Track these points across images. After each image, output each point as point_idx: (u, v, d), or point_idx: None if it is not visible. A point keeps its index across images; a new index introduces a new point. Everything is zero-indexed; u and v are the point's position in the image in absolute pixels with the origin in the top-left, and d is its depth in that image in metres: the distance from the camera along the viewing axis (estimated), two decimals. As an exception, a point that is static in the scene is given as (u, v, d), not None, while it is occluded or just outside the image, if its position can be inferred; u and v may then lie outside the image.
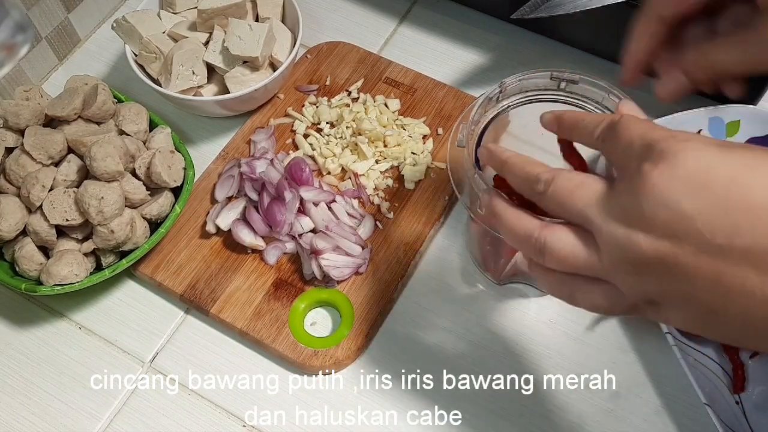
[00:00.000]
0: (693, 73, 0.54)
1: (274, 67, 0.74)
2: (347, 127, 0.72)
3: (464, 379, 0.63)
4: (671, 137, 0.37)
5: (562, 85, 0.56)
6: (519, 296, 0.66)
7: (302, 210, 0.67)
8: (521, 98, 0.57)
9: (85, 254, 0.64)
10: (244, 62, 0.71)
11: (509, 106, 0.57)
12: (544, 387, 0.62)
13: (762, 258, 0.33)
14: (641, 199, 0.37)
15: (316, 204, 0.67)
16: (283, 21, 0.76)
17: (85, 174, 0.65)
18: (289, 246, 0.67)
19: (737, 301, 0.35)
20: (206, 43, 0.73)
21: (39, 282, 0.63)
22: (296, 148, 0.74)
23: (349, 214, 0.68)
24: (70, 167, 0.65)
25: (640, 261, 0.37)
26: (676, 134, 0.38)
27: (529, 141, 0.60)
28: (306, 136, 0.74)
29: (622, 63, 0.58)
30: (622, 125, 0.41)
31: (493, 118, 0.57)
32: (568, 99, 0.57)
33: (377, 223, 0.69)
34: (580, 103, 0.56)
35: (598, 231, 0.39)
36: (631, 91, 0.77)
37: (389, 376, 0.63)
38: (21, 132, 0.66)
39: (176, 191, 0.68)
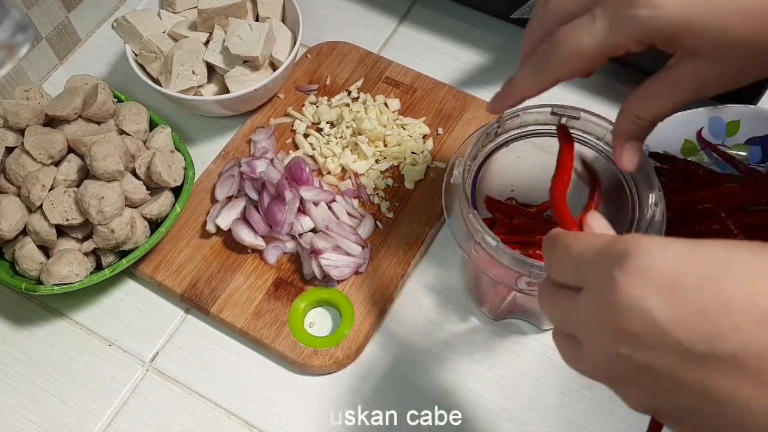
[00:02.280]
0: (637, 136, 0.48)
1: (274, 66, 0.74)
2: (347, 127, 0.72)
3: (464, 378, 0.63)
4: (627, 239, 0.34)
5: (563, 120, 0.55)
6: (517, 333, 0.65)
7: (302, 210, 0.67)
8: (520, 132, 0.56)
9: (85, 254, 0.64)
10: (244, 62, 0.71)
11: (507, 140, 0.56)
12: (544, 386, 0.62)
13: (753, 364, 0.29)
14: (611, 309, 0.33)
15: (316, 204, 0.67)
16: (283, 21, 0.76)
17: (85, 174, 0.65)
18: (289, 246, 0.67)
19: (732, 414, 0.30)
20: (206, 43, 0.73)
21: (39, 282, 0.63)
22: (296, 147, 0.74)
23: (349, 214, 0.68)
24: (70, 167, 0.65)
25: (627, 373, 0.34)
26: (630, 234, 0.34)
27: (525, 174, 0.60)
28: (306, 135, 0.74)
29: (500, 92, 0.54)
30: (560, 242, 0.38)
31: (490, 153, 0.56)
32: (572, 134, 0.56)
33: (377, 222, 0.69)
34: (581, 138, 0.55)
35: (580, 344, 0.36)
36: (630, 89, 0.77)
37: (389, 376, 0.63)
38: (21, 132, 0.66)
39: (176, 191, 0.68)
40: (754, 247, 0.31)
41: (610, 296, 0.33)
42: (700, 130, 0.68)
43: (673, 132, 0.69)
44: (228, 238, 0.68)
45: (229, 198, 0.70)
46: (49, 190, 0.63)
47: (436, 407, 0.62)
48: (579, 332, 0.36)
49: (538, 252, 0.55)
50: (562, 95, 0.77)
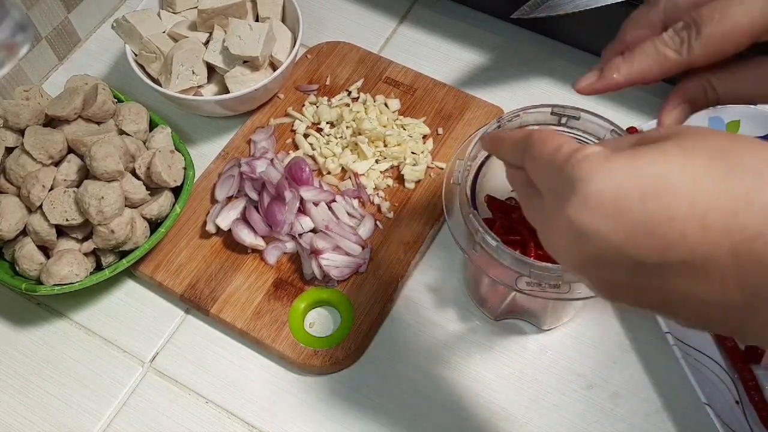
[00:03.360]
0: (697, 105, 0.47)
1: (274, 66, 0.74)
2: (347, 127, 0.72)
3: (464, 378, 0.63)
4: (576, 160, 0.35)
5: (563, 120, 0.55)
6: (517, 333, 0.65)
7: (302, 210, 0.67)
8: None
9: (85, 254, 0.64)
10: (244, 62, 0.71)
11: None
12: (544, 387, 0.62)
13: (702, 265, 0.32)
14: (569, 235, 0.35)
15: (316, 204, 0.67)
16: (283, 21, 0.76)
17: (85, 174, 0.65)
18: (289, 246, 0.67)
19: (692, 311, 0.33)
20: (206, 43, 0.73)
21: (39, 282, 0.63)
22: (296, 147, 0.74)
23: (349, 214, 0.68)
24: (70, 167, 0.65)
25: (595, 283, 0.36)
26: (580, 152, 0.35)
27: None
28: (306, 135, 0.74)
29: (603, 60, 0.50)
30: (535, 144, 0.39)
31: (490, 154, 0.56)
32: (570, 134, 0.56)
33: (377, 223, 0.69)
34: (582, 138, 0.56)
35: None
36: (631, 90, 0.77)
37: (389, 376, 0.63)
38: (21, 132, 0.66)
39: (176, 191, 0.68)
40: (687, 154, 0.33)
41: (566, 225, 0.35)
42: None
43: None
44: (228, 239, 0.68)
45: (229, 198, 0.70)
46: (49, 191, 0.63)
47: (437, 407, 0.62)
48: (547, 238, 0.38)
49: (539, 252, 0.56)
50: (562, 95, 0.77)
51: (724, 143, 0.33)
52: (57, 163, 0.65)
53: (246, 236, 0.66)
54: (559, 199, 0.35)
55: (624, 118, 0.75)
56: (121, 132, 0.69)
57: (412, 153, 0.72)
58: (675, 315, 0.35)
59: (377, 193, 0.70)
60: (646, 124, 0.68)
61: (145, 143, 0.69)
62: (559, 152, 0.37)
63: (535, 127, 0.56)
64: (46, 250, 0.65)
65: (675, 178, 0.32)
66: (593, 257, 0.34)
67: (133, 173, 0.67)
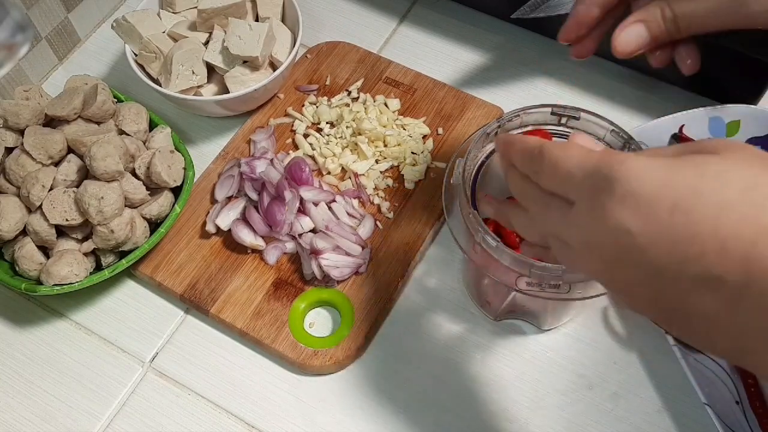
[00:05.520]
0: (652, 25, 0.47)
1: (274, 66, 0.74)
2: (347, 127, 0.72)
3: (464, 378, 0.63)
4: (615, 162, 0.36)
5: (563, 120, 0.55)
6: (517, 333, 0.65)
7: (302, 210, 0.67)
8: (520, 133, 0.56)
9: (85, 254, 0.64)
10: (244, 62, 0.71)
11: None
12: (544, 387, 0.62)
13: (715, 287, 0.33)
14: (601, 231, 0.36)
15: (316, 204, 0.67)
16: (283, 21, 0.76)
17: (85, 174, 0.65)
18: (289, 246, 0.67)
19: (699, 323, 0.35)
20: (206, 43, 0.73)
21: (39, 282, 0.63)
22: (296, 147, 0.74)
23: (349, 214, 0.68)
24: (70, 167, 0.65)
25: (614, 285, 0.38)
26: (618, 155, 0.37)
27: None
28: (306, 135, 0.74)
29: (565, 23, 0.51)
30: (548, 156, 0.40)
31: (490, 154, 0.56)
32: (570, 134, 0.56)
33: (377, 223, 0.69)
34: None
35: (572, 249, 0.40)
36: (631, 90, 0.77)
37: (389, 376, 0.63)
38: (21, 132, 0.66)
39: (176, 191, 0.68)
40: (724, 179, 0.34)
41: (601, 220, 0.36)
42: (681, 127, 0.68)
43: (673, 131, 0.69)
44: (228, 239, 0.68)
45: (229, 198, 0.70)
46: (49, 191, 0.63)
47: (436, 407, 0.62)
48: (571, 241, 0.39)
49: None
50: (562, 95, 0.77)
51: (761, 174, 0.34)
52: (57, 163, 0.65)
53: (246, 236, 0.66)
54: (594, 199, 0.36)
55: (624, 118, 0.75)
56: (121, 132, 0.69)
57: (412, 153, 0.72)
58: (686, 330, 0.36)
59: (377, 193, 0.70)
60: (646, 125, 0.68)
61: (145, 143, 0.69)
62: (590, 157, 0.38)
63: (536, 128, 0.56)
64: (46, 250, 0.65)
65: (706, 197, 0.33)
66: (619, 255, 0.36)
67: (133, 173, 0.67)
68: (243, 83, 0.71)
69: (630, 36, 0.46)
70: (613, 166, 0.36)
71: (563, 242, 0.41)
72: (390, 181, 0.71)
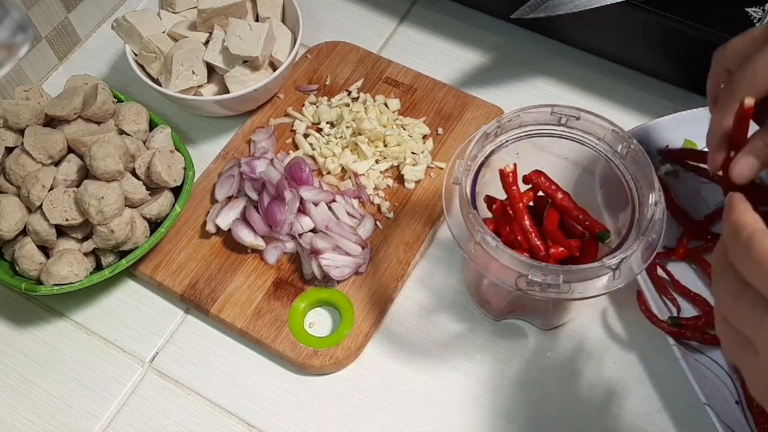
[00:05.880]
0: (760, 154, 0.48)
1: (274, 66, 0.74)
2: (347, 127, 0.72)
3: (464, 378, 0.63)
4: None
5: (563, 120, 0.55)
6: (517, 333, 0.65)
7: (302, 210, 0.67)
8: (520, 133, 0.56)
9: (85, 254, 0.64)
10: (244, 62, 0.71)
11: (507, 141, 0.57)
12: (544, 387, 0.62)
13: None
14: None
15: (316, 204, 0.67)
16: (283, 21, 0.76)
17: (85, 174, 0.65)
18: (289, 246, 0.67)
19: None
20: (206, 43, 0.73)
21: (39, 282, 0.63)
22: (296, 147, 0.74)
23: (349, 214, 0.68)
24: (70, 167, 0.65)
25: None
26: None
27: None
28: (306, 135, 0.74)
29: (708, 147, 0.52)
30: (757, 247, 0.37)
31: (490, 154, 0.56)
32: (570, 134, 0.56)
33: (377, 223, 0.69)
34: (582, 138, 0.56)
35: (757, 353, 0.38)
36: (631, 89, 0.77)
37: (389, 376, 0.63)
38: (21, 132, 0.66)
39: (176, 191, 0.68)
40: None
41: None
42: (666, 147, 0.68)
43: (673, 131, 0.68)
44: (228, 238, 0.68)
45: (229, 198, 0.70)
46: (49, 190, 0.63)
47: (436, 407, 0.62)
48: (760, 344, 0.37)
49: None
50: (562, 95, 0.77)
51: None
52: (57, 163, 0.65)
53: (246, 236, 0.66)
54: None
55: (624, 117, 0.75)
56: (121, 132, 0.69)
57: (412, 153, 0.72)
58: None
59: (377, 193, 0.70)
60: (646, 125, 0.68)
61: (145, 143, 0.69)
62: None
63: (536, 127, 0.56)
64: (46, 250, 0.65)
65: None
66: None
67: (133, 173, 0.67)
68: (243, 83, 0.71)
69: (745, 168, 0.48)
70: None
71: (748, 341, 0.38)
72: (390, 181, 0.71)
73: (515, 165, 0.56)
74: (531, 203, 0.60)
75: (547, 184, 0.58)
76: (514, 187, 0.56)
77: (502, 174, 0.56)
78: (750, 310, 0.37)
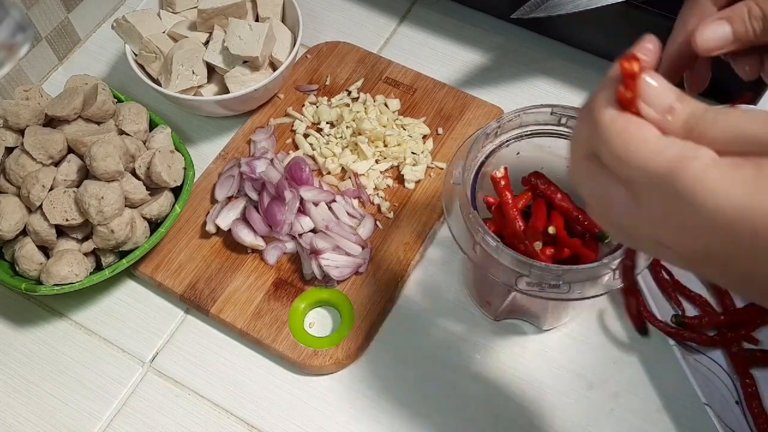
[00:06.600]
0: (737, 24, 0.42)
1: (274, 67, 0.74)
2: (347, 127, 0.72)
3: (465, 378, 0.63)
4: (689, 177, 0.32)
5: (563, 120, 0.55)
6: (517, 333, 0.65)
7: (302, 210, 0.67)
8: (520, 133, 0.56)
9: (85, 254, 0.64)
10: (244, 62, 0.71)
11: (507, 141, 0.57)
12: (545, 387, 0.62)
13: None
14: (674, 235, 0.34)
15: (316, 204, 0.67)
16: (283, 21, 0.76)
17: (85, 174, 0.65)
18: (289, 246, 0.67)
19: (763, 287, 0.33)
20: (206, 43, 0.73)
21: (39, 282, 0.63)
22: (296, 147, 0.74)
23: (349, 214, 0.68)
24: (70, 167, 0.65)
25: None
26: (690, 165, 0.32)
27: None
28: (306, 135, 0.74)
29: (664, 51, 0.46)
30: (607, 135, 0.34)
31: (490, 154, 0.56)
32: (570, 134, 0.56)
33: (377, 223, 0.69)
34: None
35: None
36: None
37: (389, 376, 0.63)
38: (21, 132, 0.66)
39: (176, 191, 0.68)
40: None
41: (679, 230, 0.33)
42: None
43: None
44: (228, 239, 0.68)
45: (229, 198, 0.70)
46: (49, 191, 0.63)
47: (436, 407, 0.62)
48: (635, 233, 0.36)
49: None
50: (562, 95, 0.77)
51: None
52: (57, 163, 0.65)
53: (246, 236, 0.66)
54: (667, 206, 0.33)
55: (624, 118, 0.75)
56: (121, 132, 0.69)
57: (412, 153, 0.72)
58: (749, 291, 0.35)
59: (377, 193, 0.70)
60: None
61: (145, 143, 0.69)
62: (660, 158, 0.33)
63: (536, 127, 0.56)
64: (46, 250, 0.65)
65: None
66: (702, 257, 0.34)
67: (133, 173, 0.67)
68: (243, 83, 0.71)
69: (714, 33, 0.42)
70: (687, 182, 0.32)
71: (623, 230, 0.37)
72: (390, 181, 0.71)
73: (506, 169, 0.56)
74: (529, 204, 0.60)
75: (546, 185, 0.58)
76: (507, 193, 0.56)
77: (494, 180, 0.56)
78: (622, 202, 0.36)
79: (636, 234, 0.37)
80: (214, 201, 0.71)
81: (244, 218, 0.67)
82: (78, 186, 0.64)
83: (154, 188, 0.67)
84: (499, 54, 0.80)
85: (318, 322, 0.66)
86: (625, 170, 0.34)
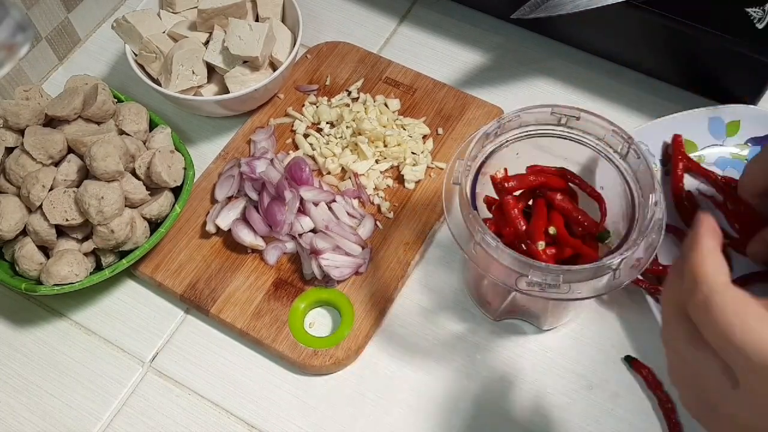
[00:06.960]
0: None
1: (274, 67, 0.74)
2: (347, 127, 0.72)
3: (464, 378, 0.63)
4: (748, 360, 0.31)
5: (563, 120, 0.55)
6: (517, 333, 0.65)
7: (302, 210, 0.67)
8: (520, 133, 0.56)
9: (85, 254, 0.64)
10: (244, 62, 0.71)
11: (507, 141, 0.57)
12: (545, 388, 0.62)
13: None
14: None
15: (316, 204, 0.67)
16: (283, 21, 0.76)
17: (85, 174, 0.65)
18: (289, 246, 0.67)
19: None
20: (206, 43, 0.73)
21: (39, 282, 0.63)
22: (296, 147, 0.74)
23: (349, 214, 0.68)
24: (70, 167, 0.65)
25: None
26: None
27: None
28: (306, 135, 0.74)
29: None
30: (716, 314, 0.33)
31: (490, 154, 0.56)
32: (570, 134, 0.56)
33: (377, 223, 0.69)
34: (582, 138, 0.56)
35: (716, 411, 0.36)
36: (631, 89, 0.77)
37: (389, 376, 0.63)
38: (21, 132, 0.66)
39: (176, 191, 0.68)
40: None
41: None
42: (666, 147, 0.68)
43: (673, 131, 0.69)
44: (228, 239, 0.68)
45: (229, 198, 0.70)
46: (49, 191, 0.63)
47: (436, 407, 0.62)
48: (727, 412, 0.35)
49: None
50: (562, 95, 0.77)
51: None
52: (57, 163, 0.65)
53: (246, 236, 0.66)
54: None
55: (624, 118, 0.75)
56: (121, 132, 0.69)
57: (412, 153, 0.72)
58: None
59: (377, 193, 0.70)
60: (646, 125, 0.68)
61: (145, 143, 0.69)
62: (763, 343, 0.32)
63: (536, 127, 0.56)
64: (46, 250, 0.65)
65: None
66: None
67: (133, 173, 0.67)
68: (243, 83, 0.71)
69: (756, 248, 0.54)
70: (745, 367, 0.32)
71: (714, 408, 0.36)
72: (390, 181, 0.71)
73: (506, 170, 0.57)
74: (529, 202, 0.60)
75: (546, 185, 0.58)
76: (508, 196, 0.56)
77: (494, 180, 0.56)
78: (715, 378, 0.35)
79: (721, 409, 0.35)
80: (214, 201, 0.71)
81: (244, 218, 0.67)
82: (78, 186, 0.64)
83: (154, 188, 0.67)
84: (499, 54, 0.80)
85: (318, 322, 0.66)
86: (732, 353, 0.33)
